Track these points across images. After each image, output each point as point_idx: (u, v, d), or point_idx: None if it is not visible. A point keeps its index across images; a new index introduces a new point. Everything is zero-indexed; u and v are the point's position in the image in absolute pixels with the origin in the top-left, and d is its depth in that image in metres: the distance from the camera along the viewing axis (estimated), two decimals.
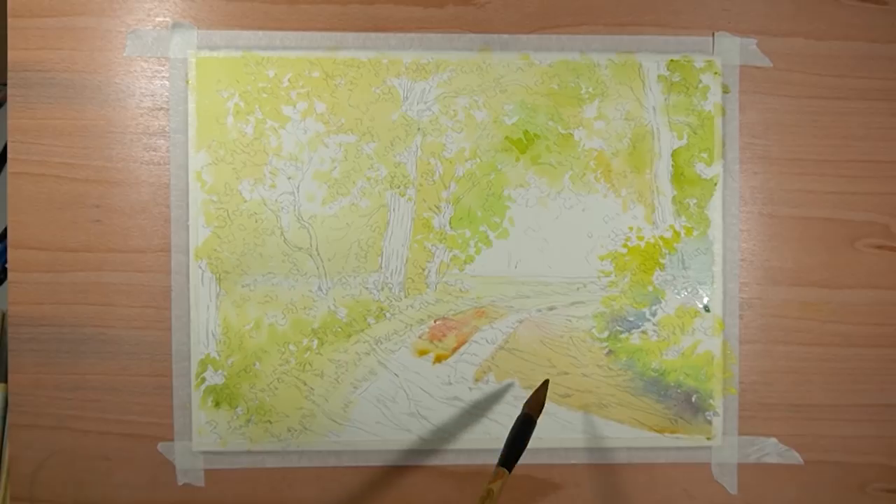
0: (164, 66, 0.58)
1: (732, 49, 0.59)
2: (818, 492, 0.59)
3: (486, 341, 0.58)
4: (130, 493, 0.57)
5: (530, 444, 0.58)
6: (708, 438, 0.58)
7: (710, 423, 0.58)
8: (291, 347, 0.57)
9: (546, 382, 0.55)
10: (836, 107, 0.60)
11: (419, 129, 0.58)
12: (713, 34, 0.59)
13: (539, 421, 0.56)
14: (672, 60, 0.59)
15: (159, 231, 0.57)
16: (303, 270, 0.58)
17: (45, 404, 0.57)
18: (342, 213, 0.58)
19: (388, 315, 0.58)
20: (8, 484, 0.58)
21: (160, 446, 0.57)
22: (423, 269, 0.58)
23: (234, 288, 0.57)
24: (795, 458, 0.59)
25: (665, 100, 0.59)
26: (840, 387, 0.59)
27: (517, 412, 0.58)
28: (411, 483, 0.58)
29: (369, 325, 0.58)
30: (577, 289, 0.58)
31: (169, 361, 0.57)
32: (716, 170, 0.59)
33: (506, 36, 0.59)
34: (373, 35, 0.58)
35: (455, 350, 0.58)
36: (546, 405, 0.58)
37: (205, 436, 0.57)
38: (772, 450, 0.59)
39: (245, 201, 0.58)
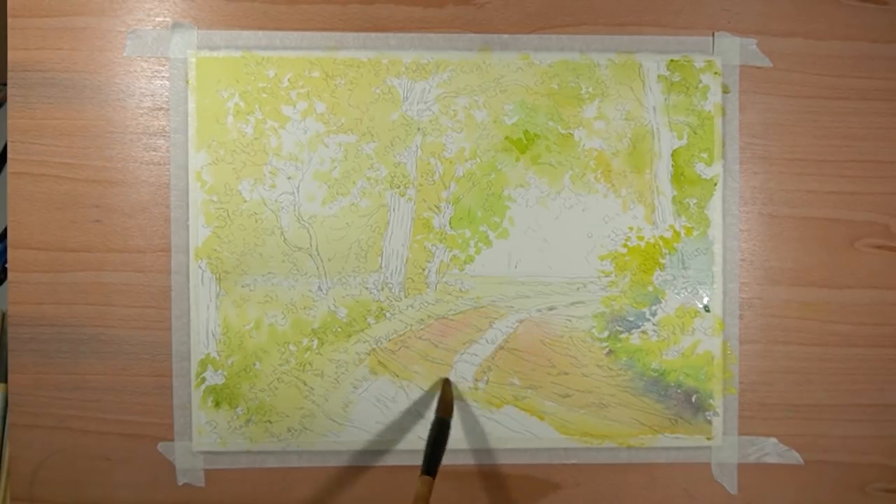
0: (164, 66, 0.58)
1: (732, 49, 0.59)
2: (818, 492, 0.59)
3: (486, 341, 0.58)
4: (130, 493, 0.57)
5: (530, 445, 0.58)
6: (708, 438, 0.58)
7: (710, 423, 0.58)
8: (291, 347, 0.57)
9: (447, 381, 0.56)
10: (836, 107, 0.60)
11: (419, 129, 0.58)
12: (713, 34, 0.59)
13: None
14: (672, 60, 0.59)
15: (159, 231, 0.57)
16: (303, 270, 0.58)
17: (45, 404, 0.57)
18: (342, 213, 0.58)
19: (388, 315, 0.58)
20: (8, 484, 0.58)
21: (160, 446, 0.57)
22: (423, 269, 0.58)
23: (234, 288, 0.57)
24: (795, 458, 0.59)
25: (665, 100, 0.59)
26: (840, 387, 0.59)
27: (517, 412, 0.59)
28: (411, 483, 0.58)
29: (369, 325, 0.58)
30: (577, 289, 0.58)
31: (169, 361, 0.57)
32: (716, 170, 0.59)
33: (506, 36, 0.59)
34: (373, 35, 0.58)
35: (455, 350, 0.58)
36: (546, 405, 0.58)
37: (205, 436, 0.57)
38: (772, 450, 0.59)
39: (245, 201, 0.58)
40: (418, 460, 0.58)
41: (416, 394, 0.58)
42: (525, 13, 0.59)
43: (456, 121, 0.58)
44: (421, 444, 0.58)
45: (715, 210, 0.59)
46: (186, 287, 0.57)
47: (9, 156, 0.57)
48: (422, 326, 0.58)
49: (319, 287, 0.58)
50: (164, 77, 0.58)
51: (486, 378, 0.58)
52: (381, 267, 0.58)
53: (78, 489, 0.57)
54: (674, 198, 0.59)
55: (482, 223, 0.58)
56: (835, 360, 0.59)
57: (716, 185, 0.59)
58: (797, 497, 0.59)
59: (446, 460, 0.58)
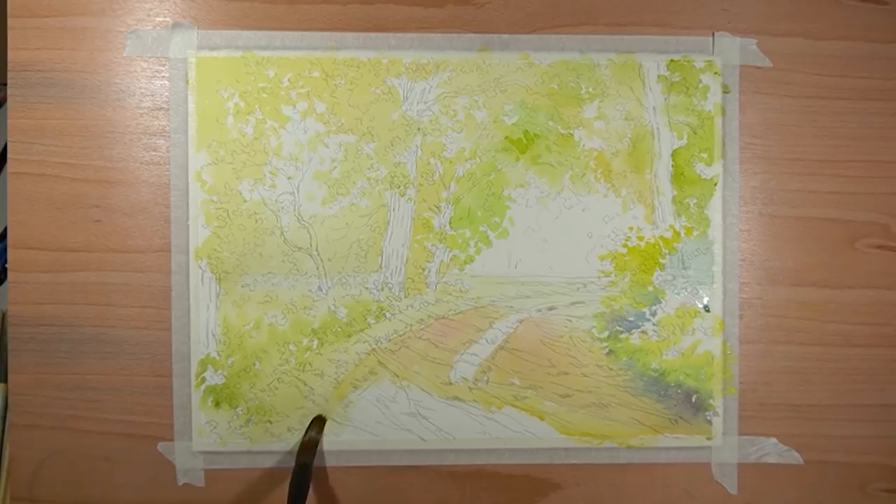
0: (164, 66, 0.58)
1: (732, 49, 0.59)
2: (818, 492, 0.59)
3: (486, 341, 0.58)
4: (130, 493, 0.57)
5: (530, 445, 0.58)
6: (708, 438, 0.58)
7: (710, 423, 0.58)
8: (291, 347, 0.57)
9: (320, 419, 0.56)
10: (836, 107, 0.60)
11: (419, 129, 0.58)
12: (713, 34, 0.59)
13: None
14: (672, 60, 0.59)
15: (159, 231, 0.57)
16: (303, 270, 0.58)
17: (45, 404, 0.57)
18: (342, 213, 0.58)
19: (388, 315, 0.58)
20: (8, 484, 0.58)
21: (160, 446, 0.57)
22: (423, 269, 0.58)
23: (234, 288, 0.57)
24: (795, 458, 0.59)
25: (665, 100, 0.59)
26: (840, 387, 0.59)
27: (517, 412, 0.58)
28: (411, 483, 0.58)
29: (369, 325, 0.58)
30: (577, 289, 0.58)
31: (169, 361, 0.57)
32: (716, 170, 0.59)
33: (506, 36, 0.59)
34: (373, 35, 0.58)
35: (455, 350, 0.58)
36: (546, 405, 0.58)
37: (205, 436, 0.57)
38: (772, 450, 0.59)
39: (245, 201, 0.58)
40: (418, 460, 0.58)
41: (416, 394, 0.58)
42: (525, 13, 0.59)
43: (456, 121, 0.58)
44: (421, 445, 0.58)
45: (715, 210, 0.59)
46: (186, 287, 0.57)
47: (9, 156, 0.57)
48: (422, 326, 0.58)
49: (319, 287, 0.58)
50: (164, 77, 0.58)
51: (486, 378, 0.58)
52: (381, 267, 0.58)
53: (78, 489, 0.57)
54: (674, 198, 0.59)
55: (482, 223, 0.58)
56: (835, 360, 0.59)
57: (716, 185, 0.59)
58: (797, 497, 0.59)
59: (446, 460, 0.58)
